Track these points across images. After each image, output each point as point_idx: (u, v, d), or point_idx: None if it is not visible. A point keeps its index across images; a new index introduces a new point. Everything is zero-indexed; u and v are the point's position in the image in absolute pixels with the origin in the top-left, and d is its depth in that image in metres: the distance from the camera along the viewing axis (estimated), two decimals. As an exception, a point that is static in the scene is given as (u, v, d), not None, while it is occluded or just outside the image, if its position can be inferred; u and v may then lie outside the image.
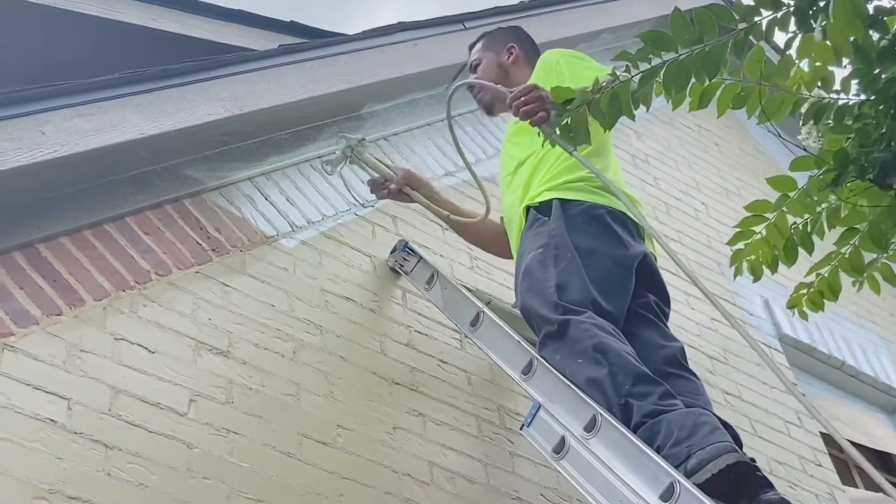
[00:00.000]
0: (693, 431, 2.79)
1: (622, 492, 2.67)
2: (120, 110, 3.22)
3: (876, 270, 3.72)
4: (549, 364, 3.07)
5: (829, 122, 3.30)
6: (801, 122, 3.37)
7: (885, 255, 3.62)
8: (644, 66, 2.82)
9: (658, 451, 2.73)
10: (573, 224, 3.34)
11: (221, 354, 3.16)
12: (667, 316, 3.49)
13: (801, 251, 3.32)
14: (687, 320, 4.80)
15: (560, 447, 2.89)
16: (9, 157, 2.84)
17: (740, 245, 3.38)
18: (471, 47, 4.02)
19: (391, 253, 3.88)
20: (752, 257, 3.36)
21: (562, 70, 3.49)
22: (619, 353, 2.99)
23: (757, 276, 3.34)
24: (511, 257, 3.62)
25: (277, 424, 3.10)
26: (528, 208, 3.49)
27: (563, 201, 3.41)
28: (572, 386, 2.95)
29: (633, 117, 2.83)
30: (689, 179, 5.82)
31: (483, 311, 3.40)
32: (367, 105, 4.27)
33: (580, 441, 2.84)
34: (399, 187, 3.78)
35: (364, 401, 3.37)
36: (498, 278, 4.17)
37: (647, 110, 2.85)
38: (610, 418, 2.81)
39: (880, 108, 3.07)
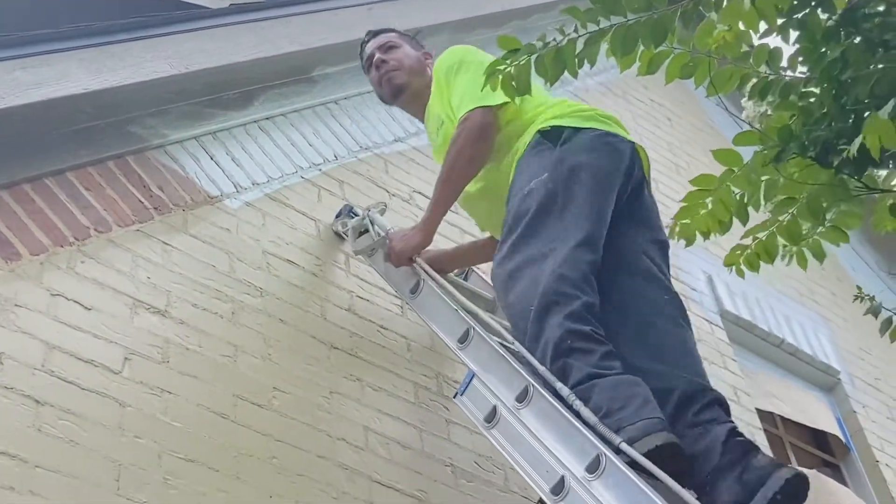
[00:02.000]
0: (625, 403, 2.77)
1: (549, 462, 2.70)
2: (64, 64, 3.21)
3: (806, 246, 3.77)
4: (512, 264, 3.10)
5: (774, 98, 3.35)
6: (746, 97, 3.41)
7: (821, 228, 3.67)
8: (592, 28, 2.85)
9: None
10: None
11: (159, 313, 3.15)
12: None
13: (735, 222, 3.36)
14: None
15: (491, 416, 2.92)
16: (-54, 107, 2.81)
17: (687, 221, 3.42)
18: (377, 32, 3.89)
19: (336, 217, 3.88)
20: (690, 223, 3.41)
21: (441, 86, 3.59)
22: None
23: (689, 241, 3.38)
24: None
25: (213, 385, 3.10)
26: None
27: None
28: (507, 357, 2.97)
29: (575, 75, 2.84)
30: (639, 154, 5.84)
31: (423, 280, 3.41)
32: (319, 68, 4.27)
33: (511, 411, 2.87)
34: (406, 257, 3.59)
35: (302, 364, 3.38)
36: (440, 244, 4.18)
37: (591, 67, 2.86)
38: (542, 390, 2.83)
39: (824, 86, 3.11)
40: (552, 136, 3.33)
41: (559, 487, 2.64)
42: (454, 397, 3.10)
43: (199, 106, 3.75)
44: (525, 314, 3.01)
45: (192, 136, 3.72)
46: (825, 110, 3.09)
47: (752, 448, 2.85)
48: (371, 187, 4.19)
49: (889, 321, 3.65)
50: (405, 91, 3.74)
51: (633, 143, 3.43)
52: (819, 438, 5.39)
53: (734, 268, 3.42)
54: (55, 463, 2.63)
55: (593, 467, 2.60)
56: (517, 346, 3.01)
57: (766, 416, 5.13)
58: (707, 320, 5.11)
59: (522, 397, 2.87)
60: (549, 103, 3.51)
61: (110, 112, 3.39)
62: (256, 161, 3.86)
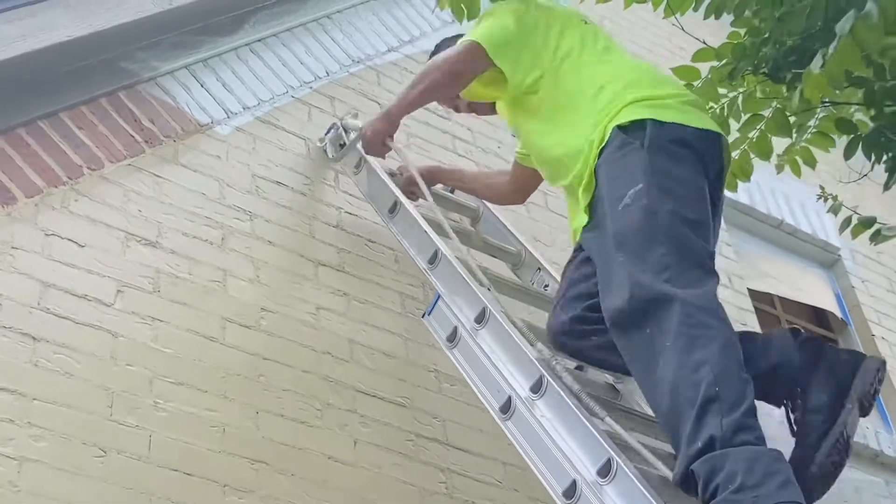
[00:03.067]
0: (762, 481, 2.44)
1: (499, 383, 2.93)
2: (48, 13, 3.39)
3: (797, 154, 3.95)
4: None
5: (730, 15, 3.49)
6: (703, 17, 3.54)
7: (802, 140, 3.84)
8: None
9: (715, 492, 2.46)
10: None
11: (150, 245, 3.39)
12: None
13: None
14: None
15: (453, 336, 3.15)
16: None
17: None
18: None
19: (325, 134, 4.07)
20: None
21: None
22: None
23: None
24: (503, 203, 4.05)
25: (202, 311, 3.35)
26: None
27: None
28: (470, 282, 3.18)
29: None
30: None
31: (400, 201, 3.60)
32: (308, -18, 4.41)
33: (470, 333, 3.09)
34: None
35: (290, 283, 3.61)
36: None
37: None
38: (497, 314, 3.05)
39: (766, 8, 3.25)
40: (634, 132, 3.05)
41: (507, 406, 2.88)
42: (423, 317, 3.33)
43: (188, 35, 3.92)
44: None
45: (183, 65, 3.90)
46: (766, 35, 3.23)
47: (823, 343, 2.95)
48: (363, 101, 4.36)
49: (848, 220, 3.82)
50: (475, 107, 3.92)
51: (720, 134, 3.20)
52: (819, 315, 5.58)
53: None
54: (51, 395, 2.91)
55: (536, 387, 2.83)
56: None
57: (763, 297, 5.32)
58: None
59: (480, 318, 3.09)
60: (603, 75, 3.25)
61: (99, 52, 3.58)
62: (247, 85, 4.04)
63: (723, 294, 4.86)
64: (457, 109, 3.97)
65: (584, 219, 3.09)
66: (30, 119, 3.38)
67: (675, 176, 2.97)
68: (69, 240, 3.24)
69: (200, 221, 3.55)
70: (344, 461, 3.30)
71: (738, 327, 4.74)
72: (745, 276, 5.15)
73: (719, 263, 4.91)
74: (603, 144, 3.07)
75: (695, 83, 3.65)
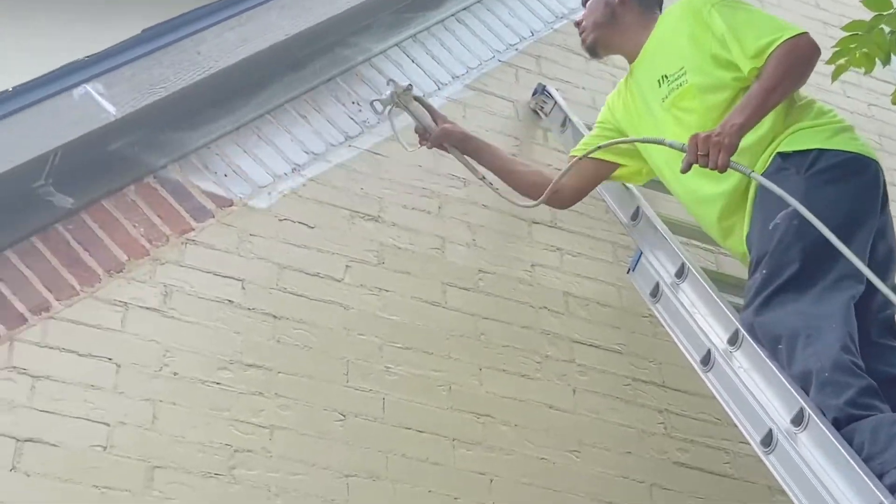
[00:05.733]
0: (887, 446, 2.58)
1: (699, 336, 3.10)
2: (265, 16, 3.69)
3: None
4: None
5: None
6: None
7: None
8: None
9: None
10: None
11: (373, 220, 3.69)
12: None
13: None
14: (840, 110, 5.00)
15: (655, 291, 3.33)
16: (170, 83, 3.37)
17: (842, 61, 3.69)
18: None
19: (532, 95, 4.26)
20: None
21: (714, 20, 3.28)
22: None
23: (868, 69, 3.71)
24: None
25: (424, 278, 3.63)
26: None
27: None
28: (668, 238, 3.35)
29: None
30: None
31: (602, 160, 3.77)
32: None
33: (671, 288, 3.27)
34: (433, 145, 3.67)
35: (505, 244, 3.86)
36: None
37: None
38: (695, 269, 3.21)
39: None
40: (794, 161, 3.11)
41: (707, 358, 3.06)
42: (627, 273, 3.52)
43: (397, 13, 4.17)
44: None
45: (394, 43, 4.15)
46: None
47: None
48: (568, 56, 4.52)
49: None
50: (598, 49, 3.66)
51: (877, 160, 3.19)
52: None
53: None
54: (293, 367, 3.26)
55: (733, 339, 2.99)
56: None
57: None
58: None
59: (680, 273, 3.26)
60: None
61: (317, 42, 3.87)
62: (455, 55, 4.27)
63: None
64: (595, 54, 3.76)
65: None
66: (257, 116, 3.70)
67: (839, 209, 3.02)
68: (300, 223, 3.56)
69: (418, 193, 3.82)
70: (564, 409, 3.55)
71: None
72: None
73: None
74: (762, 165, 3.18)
75: (885, 12, 3.64)
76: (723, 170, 2.98)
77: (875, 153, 3.22)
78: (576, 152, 3.60)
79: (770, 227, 3.01)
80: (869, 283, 2.85)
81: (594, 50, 3.68)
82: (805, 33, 3.18)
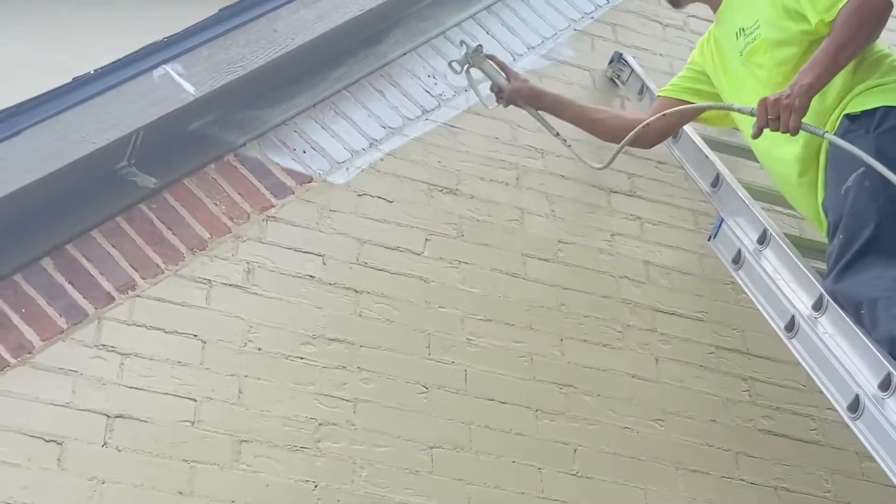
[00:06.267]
0: None
1: (782, 302, 3.07)
2: (340, -9, 3.71)
3: None
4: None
5: None
6: None
7: None
8: None
9: None
10: None
11: (451, 193, 3.70)
12: None
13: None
14: None
15: (737, 258, 3.30)
16: (247, 62, 3.40)
17: None
18: None
19: (609, 64, 4.24)
20: None
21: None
22: None
23: None
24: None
25: (503, 249, 3.64)
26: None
27: None
28: (750, 204, 3.31)
29: None
30: None
31: (682, 129, 3.73)
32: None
33: (753, 255, 3.24)
34: (508, 103, 3.69)
35: (583, 214, 3.85)
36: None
37: None
38: (777, 235, 3.18)
39: None
40: (862, 121, 3.03)
41: (791, 325, 3.03)
42: (708, 240, 3.49)
43: (470, -15, 4.17)
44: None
45: (469, 15, 4.15)
46: None
47: None
48: (644, 22, 4.49)
49: None
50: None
51: None
52: None
53: None
54: (375, 341, 3.28)
55: (817, 305, 2.96)
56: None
57: None
58: None
59: (762, 239, 3.22)
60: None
61: (390, 16, 3.88)
62: (530, 25, 4.26)
63: None
64: (678, 4, 3.74)
65: None
66: (332, 92, 3.72)
67: None
68: (379, 197, 3.58)
69: (495, 165, 3.82)
70: (646, 378, 3.54)
71: None
72: None
73: None
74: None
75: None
76: (794, 133, 2.92)
77: None
78: (663, 92, 3.63)
79: (842, 191, 2.96)
80: None
81: (676, 4, 3.69)
82: None
